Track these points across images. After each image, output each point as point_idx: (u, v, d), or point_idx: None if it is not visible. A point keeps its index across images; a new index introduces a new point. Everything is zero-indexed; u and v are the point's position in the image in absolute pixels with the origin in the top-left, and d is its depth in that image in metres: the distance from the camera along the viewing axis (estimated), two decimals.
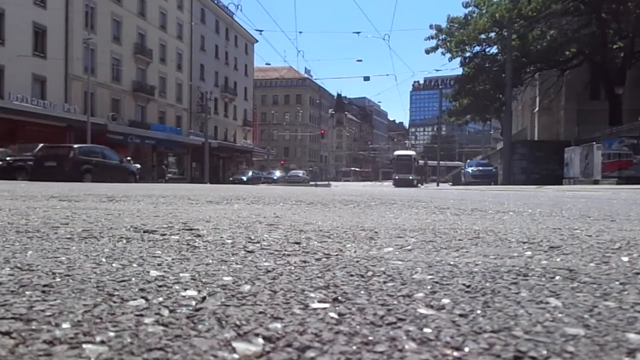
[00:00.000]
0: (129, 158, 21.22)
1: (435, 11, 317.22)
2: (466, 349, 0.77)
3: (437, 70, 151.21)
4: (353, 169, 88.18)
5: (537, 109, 32.13)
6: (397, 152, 40.72)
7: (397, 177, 35.08)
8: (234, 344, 0.77)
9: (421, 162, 41.13)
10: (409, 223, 2.79)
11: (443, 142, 55.05)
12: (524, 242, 1.99)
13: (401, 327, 0.87)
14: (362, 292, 1.12)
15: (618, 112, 22.50)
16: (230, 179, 36.15)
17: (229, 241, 1.92)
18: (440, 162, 42.86)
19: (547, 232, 2.37)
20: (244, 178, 36.02)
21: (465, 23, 26.12)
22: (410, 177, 34.11)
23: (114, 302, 0.99)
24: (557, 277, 1.30)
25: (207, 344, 0.77)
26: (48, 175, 15.08)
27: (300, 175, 47.24)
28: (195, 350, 0.74)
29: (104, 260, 1.46)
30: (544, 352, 0.76)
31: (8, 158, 16.36)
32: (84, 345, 0.75)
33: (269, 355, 0.74)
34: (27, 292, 1.05)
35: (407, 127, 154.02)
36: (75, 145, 17.11)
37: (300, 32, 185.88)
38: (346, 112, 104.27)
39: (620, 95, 22.64)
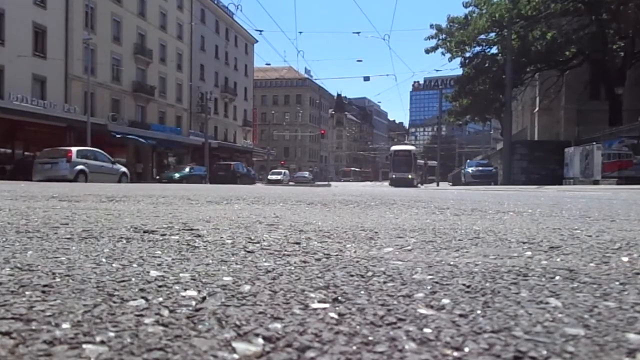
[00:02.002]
0: (253, 172, 35.25)
1: (435, 11, 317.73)
2: (466, 349, 0.77)
3: (437, 71, 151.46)
4: (353, 169, 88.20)
5: (537, 109, 32.15)
6: (394, 147, 35.11)
7: (394, 176, 29.97)
8: (234, 344, 0.77)
9: (420, 162, 38.82)
10: (409, 223, 2.79)
11: (443, 142, 54.75)
12: (524, 242, 1.99)
13: (401, 327, 0.87)
14: (362, 292, 1.12)
15: (618, 112, 22.49)
16: (157, 177, 26.60)
17: (229, 241, 1.92)
18: (423, 161, 41.87)
19: (547, 232, 2.37)
20: (177, 176, 26.10)
21: (465, 23, 26.14)
22: (410, 176, 29.50)
23: (114, 302, 0.99)
24: (557, 277, 1.30)
25: (207, 344, 0.77)
26: (220, 179, 25.98)
27: (305, 175, 51.61)
28: (195, 351, 0.74)
29: (104, 260, 1.46)
30: (544, 352, 0.76)
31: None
32: (84, 345, 0.75)
33: (269, 355, 0.74)
34: (27, 292, 1.05)
35: (407, 127, 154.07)
36: (233, 162, 30.48)
37: (300, 32, 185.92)
38: (346, 112, 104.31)
39: (620, 95, 22.63)
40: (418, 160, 34.30)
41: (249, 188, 11.62)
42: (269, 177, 42.88)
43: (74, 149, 17.05)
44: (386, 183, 35.10)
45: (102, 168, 17.76)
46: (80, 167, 16.58)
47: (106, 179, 16.84)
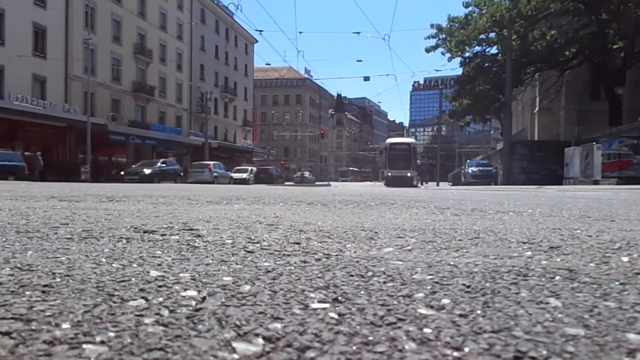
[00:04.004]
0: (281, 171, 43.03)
1: (435, 11, 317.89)
2: (466, 349, 0.77)
3: (437, 71, 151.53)
4: (352, 168, 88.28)
5: (537, 109, 32.15)
6: (390, 140, 29.63)
7: (390, 174, 25.19)
8: (234, 344, 0.77)
9: (419, 162, 37.08)
10: (409, 223, 2.79)
11: (443, 142, 54.60)
12: (524, 242, 1.99)
13: (401, 327, 0.87)
14: (362, 292, 1.12)
15: (618, 112, 22.51)
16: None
17: (229, 241, 1.92)
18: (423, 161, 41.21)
19: (547, 232, 2.37)
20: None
21: (466, 23, 26.18)
22: (409, 174, 24.88)
23: (114, 302, 0.99)
24: (557, 277, 1.30)
25: (207, 344, 0.77)
26: (262, 181, 30.35)
27: (305, 175, 52.94)
28: (195, 351, 0.74)
29: (104, 260, 1.46)
30: (544, 352, 0.75)
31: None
32: (84, 345, 0.75)
33: (269, 355, 0.74)
34: (27, 292, 1.05)
35: (407, 127, 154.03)
36: (271, 167, 38.30)
37: (300, 32, 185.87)
38: (346, 112, 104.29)
39: (620, 96, 22.65)
40: (418, 161, 30.10)
41: (250, 188, 11.64)
42: (233, 175, 30.56)
43: (212, 163, 27.58)
44: None
45: (223, 174, 27.55)
46: (215, 174, 26.33)
47: (224, 182, 25.94)
